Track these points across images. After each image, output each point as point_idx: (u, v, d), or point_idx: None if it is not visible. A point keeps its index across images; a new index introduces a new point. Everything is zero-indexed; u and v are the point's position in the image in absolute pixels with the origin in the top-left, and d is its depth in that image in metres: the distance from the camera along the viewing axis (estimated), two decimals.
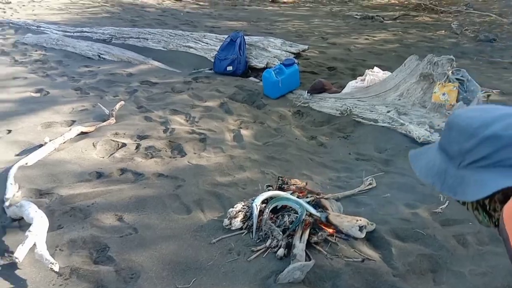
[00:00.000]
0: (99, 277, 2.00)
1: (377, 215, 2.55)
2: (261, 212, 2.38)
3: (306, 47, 5.98)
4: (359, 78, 4.76)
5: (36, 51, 6.15)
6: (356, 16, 9.97)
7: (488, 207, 0.91)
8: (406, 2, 11.98)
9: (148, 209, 2.54)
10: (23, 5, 9.88)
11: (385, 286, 1.99)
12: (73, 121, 3.79)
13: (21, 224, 2.32)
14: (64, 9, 9.69)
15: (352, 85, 4.63)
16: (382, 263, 2.16)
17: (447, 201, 2.64)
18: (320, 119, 4.18)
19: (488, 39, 7.41)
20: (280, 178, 2.79)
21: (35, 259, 2.00)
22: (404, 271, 2.11)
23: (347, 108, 4.15)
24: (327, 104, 4.35)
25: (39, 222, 2.17)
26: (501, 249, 1.27)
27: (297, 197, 2.54)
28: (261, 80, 4.85)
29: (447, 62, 3.89)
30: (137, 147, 3.34)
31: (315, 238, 2.26)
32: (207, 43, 6.06)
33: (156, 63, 5.76)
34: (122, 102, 4.14)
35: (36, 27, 7.42)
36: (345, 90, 4.60)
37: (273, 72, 4.61)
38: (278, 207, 2.48)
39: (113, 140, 3.42)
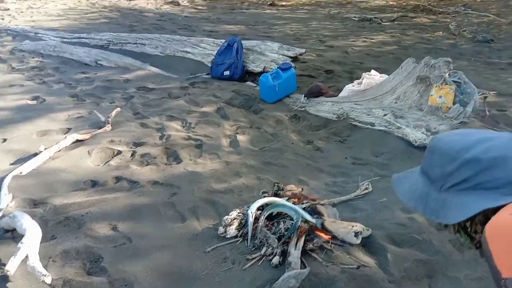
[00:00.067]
0: None
1: (373, 220, 2.53)
2: (256, 219, 2.37)
3: (303, 50, 5.98)
4: (356, 82, 4.76)
5: (33, 58, 6.16)
6: (354, 18, 9.98)
7: (469, 229, 0.94)
8: (404, 4, 11.99)
9: (142, 218, 2.53)
10: (21, 12, 9.92)
11: None
12: (69, 129, 3.78)
13: (14, 235, 2.30)
14: (63, 15, 9.72)
15: (349, 88, 4.62)
16: (378, 269, 2.14)
17: None
18: (317, 123, 4.17)
19: (486, 40, 7.40)
20: (276, 184, 2.77)
21: (27, 271, 1.99)
22: (400, 277, 2.09)
23: (344, 112, 4.14)
24: (324, 108, 4.34)
25: (32, 233, 2.16)
26: None
27: (293, 203, 2.52)
28: (258, 84, 4.84)
29: (444, 65, 3.88)
30: (133, 154, 3.34)
31: (310, 245, 2.25)
32: (204, 48, 6.05)
33: (154, 69, 5.76)
34: (118, 109, 4.14)
35: (34, 34, 7.45)
36: (342, 94, 4.59)
37: (270, 77, 4.60)
38: (273, 214, 2.46)
39: (109, 148, 3.41)
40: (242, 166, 3.23)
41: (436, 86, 3.75)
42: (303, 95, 4.59)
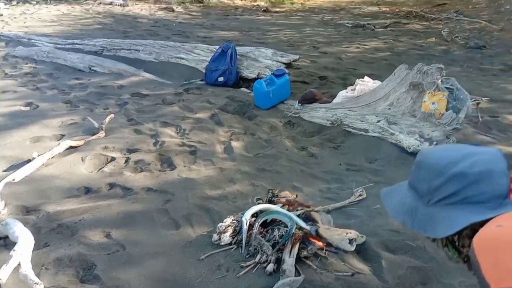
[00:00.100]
0: None
1: (367, 227, 2.53)
2: (250, 226, 2.36)
3: (297, 57, 6.00)
4: (349, 88, 4.78)
5: (26, 64, 6.13)
6: (348, 25, 10.04)
7: (457, 243, 0.94)
8: (397, 10, 12.09)
9: (136, 225, 2.51)
10: (15, 17, 9.88)
11: None
12: (62, 135, 3.76)
13: (6, 243, 2.28)
14: (56, 21, 9.69)
15: (342, 94, 4.64)
16: (372, 276, 2.14)
17: None
18: (311, 129, 4.18)
19: (478, 46, 7.47)
20: (270, 191, 2.77)
21: (20, 279, 1.97)
22: (394, 284, 2.10)
23: (338, 118, 4.16)
24: (318, 114, 4.35)
25: (25, 240, 2.14)
26: None
27: (287, 210, 2.52)
28: (252, 90, 4.85)
29: (437, 71, 3.90)
30: (127, 161, 3.32)
31: (305, 253, 2.25)
32: (198, 54, 6.06)
33: (147, 75, 5.75)
34: (112, 115, 4.12)
35: (27, 40, 7.42)
36: (335, 100, 4.61)
37: (264, 83, 4.61)
38: (268, 221, 2.46)
39: (102, 154, 3.40)
40: (237, 172, 3.22)
41: (429, 93, 3.78)
42: (297, 101, 4.60)
